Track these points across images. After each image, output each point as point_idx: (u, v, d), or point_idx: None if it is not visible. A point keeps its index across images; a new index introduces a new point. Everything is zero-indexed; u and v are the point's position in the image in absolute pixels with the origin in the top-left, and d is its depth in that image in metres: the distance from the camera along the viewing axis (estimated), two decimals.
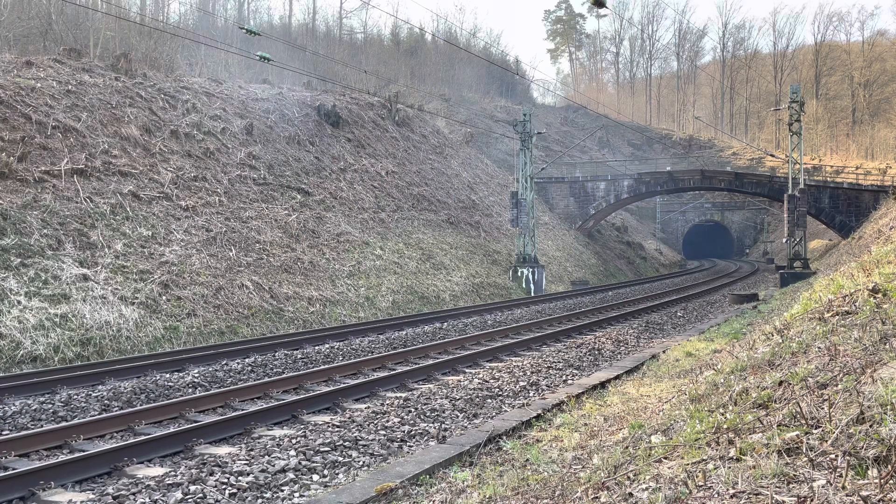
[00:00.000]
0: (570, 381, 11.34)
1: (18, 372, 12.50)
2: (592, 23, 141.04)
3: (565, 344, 15.81)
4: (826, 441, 3.86)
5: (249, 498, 6.31)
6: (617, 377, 11.27)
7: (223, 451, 7.90)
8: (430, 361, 13.45)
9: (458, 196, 37.81)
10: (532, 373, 12.03)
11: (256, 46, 33.08)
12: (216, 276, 18.92)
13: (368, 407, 9.77)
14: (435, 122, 46.23)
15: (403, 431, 8.41)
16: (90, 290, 15.60)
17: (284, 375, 11.73)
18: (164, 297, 16.92)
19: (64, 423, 8.64)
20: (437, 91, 59.80)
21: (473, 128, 52.92)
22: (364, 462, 7.36)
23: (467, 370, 12.94)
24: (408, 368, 12.49)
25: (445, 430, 8.40)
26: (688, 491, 3.76)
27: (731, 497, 3.53)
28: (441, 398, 10.12)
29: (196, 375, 12.21)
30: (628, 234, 58.66)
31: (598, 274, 43.30)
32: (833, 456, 3.66)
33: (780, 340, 7.84)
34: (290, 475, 6.84)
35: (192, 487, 6.43)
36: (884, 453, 3.48)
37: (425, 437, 8.23)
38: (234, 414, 9.06)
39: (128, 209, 19.02)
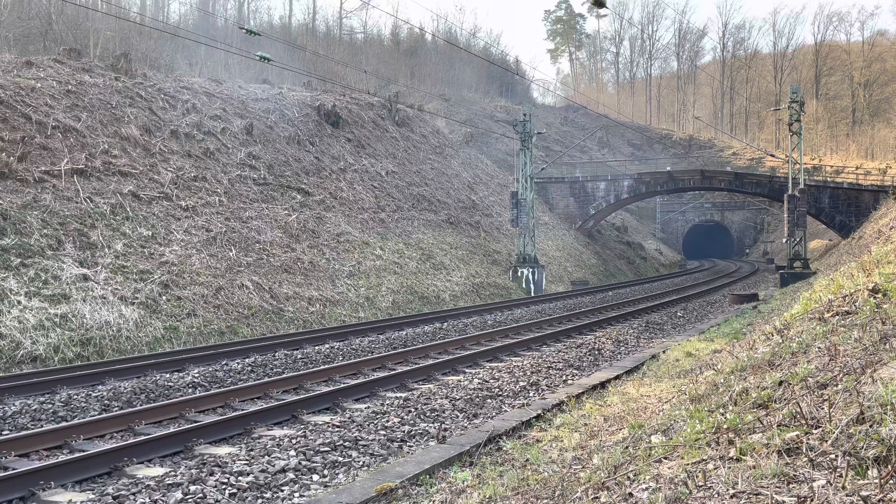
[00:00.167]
0: (570, 382, 11.33)
1: (18, 372, 12.50)
2: (592, 23, 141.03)
3: (565, 344, 15.81)
4: (826, 441, 3.86)
5: (249, 498, 6.31)
6: (617, 377, 11.27)
7: (223, 451, 7.90)
8: (430, 361, 13.45)
9: (458, 196, 37.81)
10: (532, 373, 12.03)
11: (256, 46, 33.05)
12: (216, 276, 18.93)
13: (368, 407, 9.77)
14: (435, 123, 46.23)
15: (403, 431, 8.41)
16: (90, 290, 15.61)
17: (284, 375, 11.73)
18: (164, 297, 16.93)
19: (64, 423, 8.64)
20: (437, 91, 59.80)
21: (473, 128, 52.92)
22: (364, 462, 7.36)
23: (467, 370, 12.94)
24: (408, 368, 12.49)
25: (445, 430, 8.40)
26: (688, 491, 3.75)
27: (731, 497, 3.53)
28: (441, 398, 10.12)
29: (196, 375, 12.21)
30: (628, 234, 58.66)
31: (598, 274, 43.30)
32: (833, 456, 3.66)
33: (780, 340, 7.84)
34: (290, 475, 6.84)
35: (192, 487, 6.43)
36: (884, 453, 3.48)
37: (425, 438, 8.22)
38: (234, 414, 9.06)
39: (128, 209, 19.03)
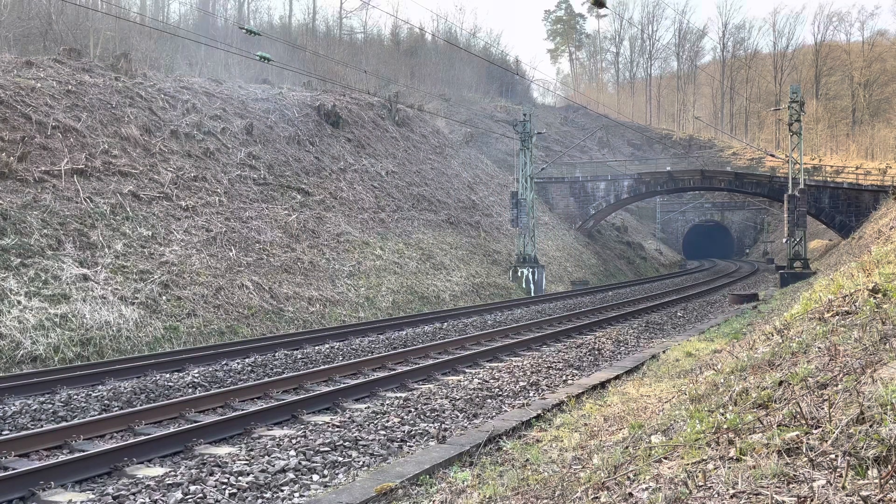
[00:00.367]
0: (570, 382, 11.33)
1: (18, 372, 12.50)
2: (592, 23, 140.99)
3: (565, 344, 15.81)
4: (826, 441, 3.86)
5: (249, 498, 6.31)
6: (617, 377, 11.27)
7: (223, 451, 7.90)
8: (430, 361, 13.45)
9: (458, 196, 37.81)
10: (532, 373, 12.03)
11: (256, 46, 33.05)
12: (216, 276, 18.93)
13: (368, 407, 9.77)
14: (435, 123, 46.23)
15: (403, 431, 8.41)
16: (90, 290, 15.60)
17: (284, 375, 11.73)
18: (164, 297, 16.93)
19: (64, 423, 8.64)
20: (437, 91, 59.79)
21: (473, 128, 52.92)
22: (364, 462, 7.36)
23: (467, 370, 12.94)
24: (408, 368, 12.49)
25: (445, 430, 8.40)
26: (688, 491, 3.75)
27: (731, 497, 3.53)
28: (441, 398, 10.12)
29: (196, 375, 12.21)
30: (628, 234, 58.65)
31: (598, 274, 43.30)
32: (833, 456, 3.66)
33: (780, 340, 7.84)
34: (290, 475, 6.84)
35: (192, 487, 6.43)
36: (884, 453, 3.48)
37: (425, 438, 8.22)
38: (234, 414, 9.06)
39: (128, 209, 19.03)
